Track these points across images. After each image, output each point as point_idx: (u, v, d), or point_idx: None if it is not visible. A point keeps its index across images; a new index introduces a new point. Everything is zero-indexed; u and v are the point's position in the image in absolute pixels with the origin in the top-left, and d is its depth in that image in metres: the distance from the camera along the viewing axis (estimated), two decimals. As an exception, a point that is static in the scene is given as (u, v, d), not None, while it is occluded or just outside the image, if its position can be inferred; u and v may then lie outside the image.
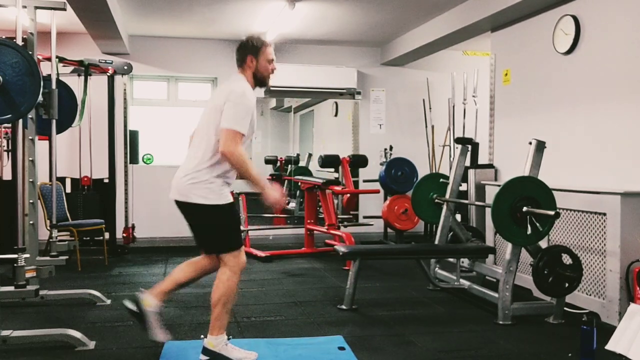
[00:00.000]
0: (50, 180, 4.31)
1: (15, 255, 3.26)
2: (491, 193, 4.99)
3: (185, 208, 2.94)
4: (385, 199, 6.78)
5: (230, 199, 2.96)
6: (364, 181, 7.46)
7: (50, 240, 4.15)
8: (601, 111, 4.16)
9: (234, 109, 2.77)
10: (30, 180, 3.94)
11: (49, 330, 3.35)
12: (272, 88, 7.17)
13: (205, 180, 2.86)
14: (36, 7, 3.84)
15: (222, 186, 2.91)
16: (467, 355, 3.19)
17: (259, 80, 3.02)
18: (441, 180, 4.86)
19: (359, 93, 7.51)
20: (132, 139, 6.88)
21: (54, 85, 3.97)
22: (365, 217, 7.37)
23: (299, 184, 7.12)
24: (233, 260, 2.96)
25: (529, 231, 3.72)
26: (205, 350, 2.93)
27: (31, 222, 3.95)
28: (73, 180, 6.22)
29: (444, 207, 4.73)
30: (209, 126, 2.86)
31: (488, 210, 4.66)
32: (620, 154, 3.97)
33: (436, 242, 4.71)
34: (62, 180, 5.99)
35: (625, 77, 3.94)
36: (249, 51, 2.97)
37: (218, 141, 2.79)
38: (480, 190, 5.28)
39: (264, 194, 2.87)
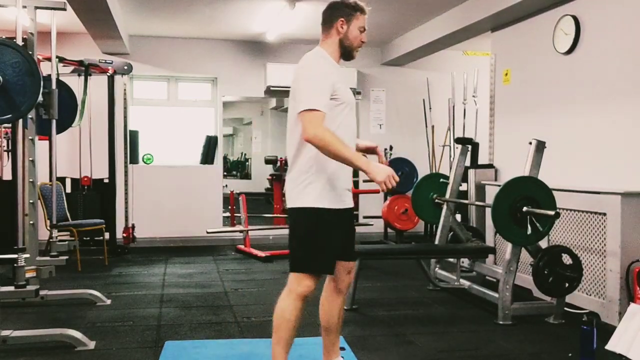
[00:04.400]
0: (50, 180, 4.31)
1: (15, 255, 3.26)
2: (491, 193, 4.99)
3: (290, 213, 2.48)
4: (385, 199, 6.77)
5: (321, 204, 2.39)
6: (364, 181, 7.44)
7: (50, 240, 4.15)
8: (601, 111, 4.16)
9: (304, 86, 2.33)
10: (30, 180, 3.94)
11: (49, 330, 3.35)
12: (272, 88, 7.18)
13: (296, 180, 2.42)
14: (36, 7, 3.85)
15: (316, 184, 2.40)
16: (467, 355, 3.19)
17: (346, 49, 2.51)
18: (441, 180, 4.85)
19: (359, 93, 7.50)
20: (132, 139, 6.88)
21: (54, 85, 3.97)
22: (365, 217, 7.36)
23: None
24: (294, 281, 2.46)
25: (529, 231, 3.72)
26: None
27: (31, 222, 3.95)
28: (73, 180, 6.22)
29: (444, 207, 4.73)
30: (290, 119, 2.44)
31: (488, 210, 4.66)
32: (620, 154, 3.96)
33: (436, 242, 4.70)
34: (62, 180, 5.99)
35: (625, 77, 3.94)
36: (341, 13, 2.48)
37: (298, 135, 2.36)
38: (480, 190, 5.28)
39: (368, 173, 2.32)
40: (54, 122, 3.99)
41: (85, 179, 6.18)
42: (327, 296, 2.65)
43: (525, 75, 5.06)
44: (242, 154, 13.99)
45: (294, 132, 2.42)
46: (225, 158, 9.54)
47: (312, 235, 2.40)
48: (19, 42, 3.26)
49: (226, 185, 8.30)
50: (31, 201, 3.95)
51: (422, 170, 6.63)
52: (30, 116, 3.85)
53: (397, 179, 2.34)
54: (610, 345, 3.03)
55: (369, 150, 2.83)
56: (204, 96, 7.53)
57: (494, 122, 5.55)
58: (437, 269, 4.80)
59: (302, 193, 2.40)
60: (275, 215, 8.34)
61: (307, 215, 2.39)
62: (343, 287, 2.64)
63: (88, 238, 5.98)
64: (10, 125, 4.72)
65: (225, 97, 7.43)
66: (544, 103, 4.78)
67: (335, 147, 2.26)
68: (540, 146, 3.88)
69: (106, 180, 6.24)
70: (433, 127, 7.40)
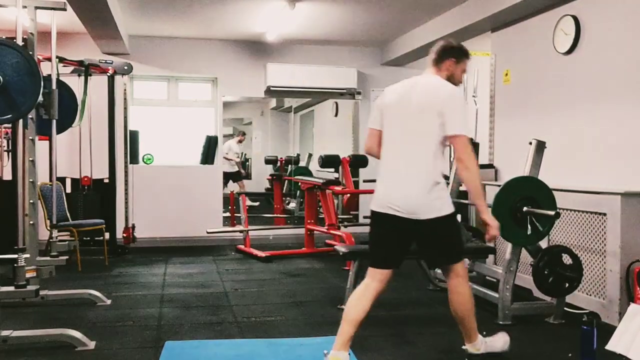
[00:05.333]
0: (50, 180, 4.31)
1: (15, 256, 3.26)
2: (491, 193, 4.97)
3: (432, 224, 2.71)
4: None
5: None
6: (364, 181, 7.45)
7: (51, 240, 4.15)
8: (601, 111, 4.16)
9: (460, 113, 2.71)
10: (31, 180, 3.94)
11: (49, 330, 3.35)
12: (272, 88, 7.18)
13: (441, 189, 2.74)
14: (36, 7, 3.85)
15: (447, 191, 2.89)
16: (468, 355, 3.18)
17: None
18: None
19: (359, 93, 7.51)
20: (132, 139, 6.88)
21: (54, 85, 3.97)
22: (365, 217, 7.36)
23: (299, 184, 7.12)
24: (463, 268, 2.88)
25: (529, 231, 3.72)
26: (472, 357, 2.94)
27: (31, 222, 3.95)
28: (73, 180, 6.22)
29: (444, 207, 4.72)
30: (421, 130, 2.73)
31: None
32: (619, 154, 3.96)
33: (436, 242, 4.70)
34: (62, 180, 5.98)
35: (625, 77, 3.94)
36: (453, 54, 2.91)
37: (438, 145, 2.71)
38: (480, 190, 5.27)
39: (488, 219, 2.75)
40: (54, 122, 3.99)
41: (86, 179, 6.18)
42: (367, 294, 2.82)
43: (525, 75, 5.06)
44: (242, 153, 14.01)
45: (421, 143, 2.73)
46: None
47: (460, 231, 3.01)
48: (19, 42, 3.26)
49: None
50: (31, 201, 3.95)
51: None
52: (30, 116, 3.85)
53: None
54: (610, 345, 3.03)
55: None
56: (204, 96, 7.53)
57: (494, 122, 5.55)
58: (437, 269, 4.79)
59: (445, 202, 2.75)
60: (275, 215, 8.33)
61: (454, 217, 2.83)
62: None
63: (88, 238, 5.98)
64: (10, 125, 4.72)
65: (225, 97, 7.43)
66: (544, 103, 4.78)
67: (478, 176, 2.73)
68: (540, 146, 3.88)
69: (106, 181, 6.24)
70: (433, 127, 7.40)
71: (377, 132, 2.91)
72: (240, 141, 9.12)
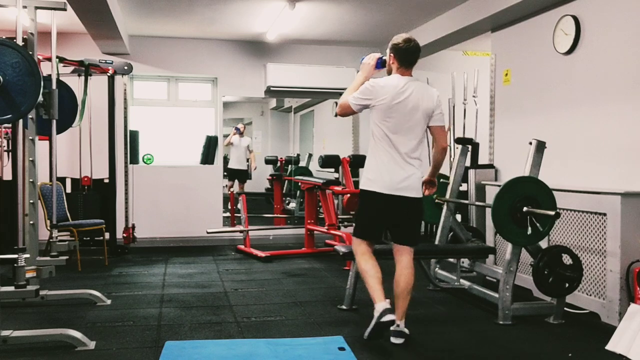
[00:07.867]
0: (51, 180, 4.31)
1: (15, 255, 3.26)
2: (491, 193, 4.99)
3: (416, 203, 3.35)
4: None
5: None
6: (364, 181, 7.45)
7: (51, 240, 4.15)
8: (601, 111, 4.16)
9: (442, 110, 3.40)
10: (31, 180, 3.94)
11: (49, 330, 3.35)
12: (272, 88, 7.18)
13: (419, 176, 3.37)
14: (36, 7, 3.85)
15: None
16: (467, 355, 3.19)
17: None
18: (441, 180, 4.85)
19: (359, 93, 7.50)
20: (132, 139, 6.88)
21: (54, 85, 3.97)
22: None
23: (299, 184, 7.13)
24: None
25: (529, 231, 3.72)
26: (404, 334, 3.28)
27: (31, 222, 3.96)
28: (73, 180, 6.22)
29: (444, 207, 4.73)
30: (418, 127, 3.34)
31: (488, 210, 4.66)
32: (620, 154, 3.96)
33: (436, 242, 4.71)
34: (62, 180, 5.99)
35: (625, 77, 3.94)
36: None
37: (420, 140, 3.36)
38: (481, 190, 5.28)
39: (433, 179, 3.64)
40: (54, 122, 3.99)
41: (86, 179, 6.18)
42: (375, 261, 3.42)
43: (525, 75, 5.06)
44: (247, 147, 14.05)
45: (418, 136, 3.37)
46: (225, 158, 9.60)
47: None
48: (19, 42, 3.26)
49: (226, 185, 8.30)
50: (31, 201, 3.95)
51: (422, 170, 6.61)
52: (30, 116, 3.85)
53: None
54: (611, 346, 3.04)
55: None
56: (204, 96, 7.53)
57: (494, 122, 5.55)
58: (437, 269, 4.79)
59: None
60: (275, 215, 8.34)
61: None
62: None
63: (88, 238, 5.99)
64: (10, 125, 4.72)
65: (225, 97, 7.43)
66: (544, 103, 4.78)
67: None
68: (540, 146, 3.88)
69: (106, 181, 6.24)
70: (433, 127, 7.39)
71: (355, 113, 3.74)
72: (242, 134, 8.97)
